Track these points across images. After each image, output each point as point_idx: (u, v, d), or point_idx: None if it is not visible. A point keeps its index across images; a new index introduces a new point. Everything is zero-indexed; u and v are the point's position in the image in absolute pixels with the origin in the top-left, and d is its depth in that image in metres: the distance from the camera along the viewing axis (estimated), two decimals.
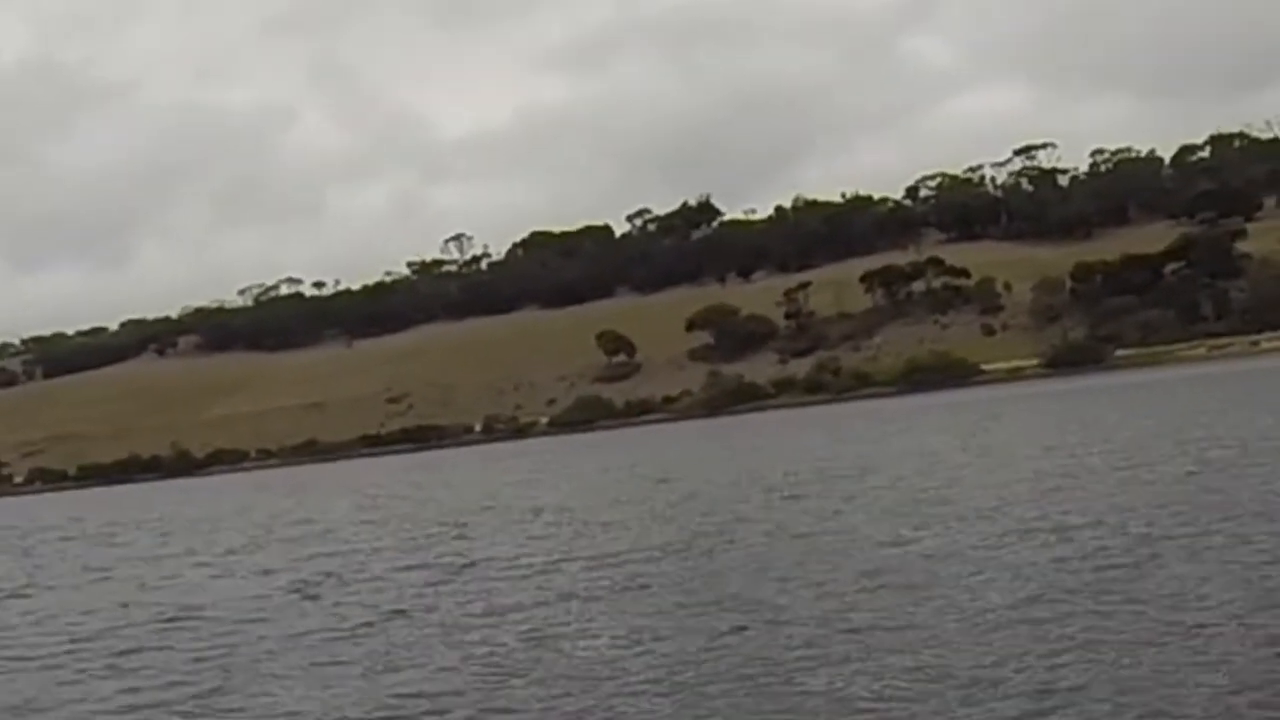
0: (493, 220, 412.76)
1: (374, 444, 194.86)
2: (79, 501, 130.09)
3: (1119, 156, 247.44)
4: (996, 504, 31.11)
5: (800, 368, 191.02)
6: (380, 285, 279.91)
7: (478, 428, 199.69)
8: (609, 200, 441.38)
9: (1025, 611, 17.72)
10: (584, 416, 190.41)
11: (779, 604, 20.37)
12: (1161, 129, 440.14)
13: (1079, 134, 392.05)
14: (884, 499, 36.19)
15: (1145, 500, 28.74)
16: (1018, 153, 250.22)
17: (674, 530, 34.03)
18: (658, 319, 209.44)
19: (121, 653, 22.55)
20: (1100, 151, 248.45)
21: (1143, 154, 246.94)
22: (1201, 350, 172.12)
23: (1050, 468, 39.75)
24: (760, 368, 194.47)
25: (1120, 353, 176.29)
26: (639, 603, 22.45)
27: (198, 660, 20.80)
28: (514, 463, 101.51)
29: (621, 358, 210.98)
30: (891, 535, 27.48)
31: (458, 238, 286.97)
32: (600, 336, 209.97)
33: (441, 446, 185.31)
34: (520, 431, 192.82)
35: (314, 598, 27.85)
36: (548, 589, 24.98)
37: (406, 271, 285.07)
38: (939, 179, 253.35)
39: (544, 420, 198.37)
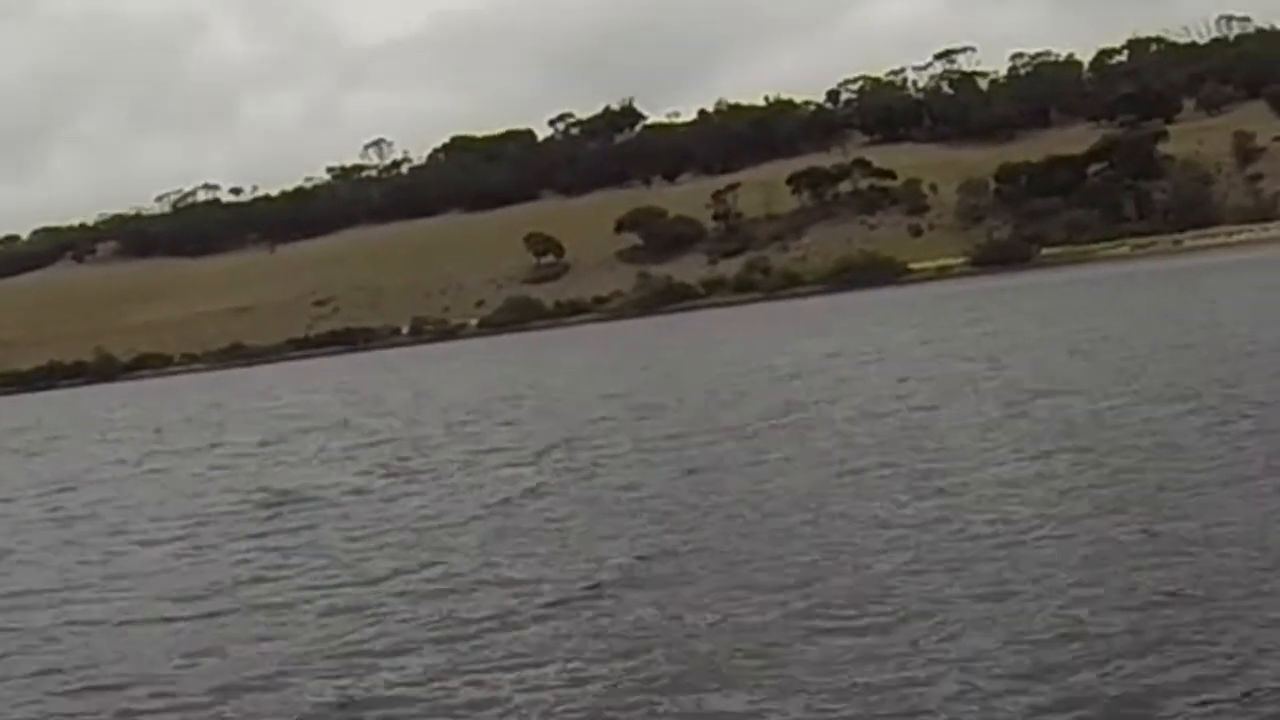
0: (412, 126, 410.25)
1: (302, 347, 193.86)
2: (10, 407, 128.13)
3: (1038, 60, 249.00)
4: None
5: (730, 268, 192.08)
6: (301, 191, 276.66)
7: (406, 330, 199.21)
8: (529, 105, 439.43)
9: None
10: (514, 318, 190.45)
11: None
12: (1078, 33, 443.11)
13: (997, 38, 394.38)
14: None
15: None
16: (938, 56, 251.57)
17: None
18: (585, 221, 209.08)
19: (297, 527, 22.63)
20: (1019, 55, 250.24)
21: (1061, 57, 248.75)
22: (1125, 249, 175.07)
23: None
24: (689, 268, 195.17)
25: (1046, 251, 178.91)
26: None
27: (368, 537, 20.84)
28: (461, 360, 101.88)
29: (550, 259, 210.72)
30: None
31: (378, 143, 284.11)
32: (529, 238, 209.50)
33: (370, 349, 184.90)
34: (450, 333, 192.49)
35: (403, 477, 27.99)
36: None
37: (327, 177, 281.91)
38: (861, 82, 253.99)
39: (473, 322, 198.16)
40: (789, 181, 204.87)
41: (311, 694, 12.33)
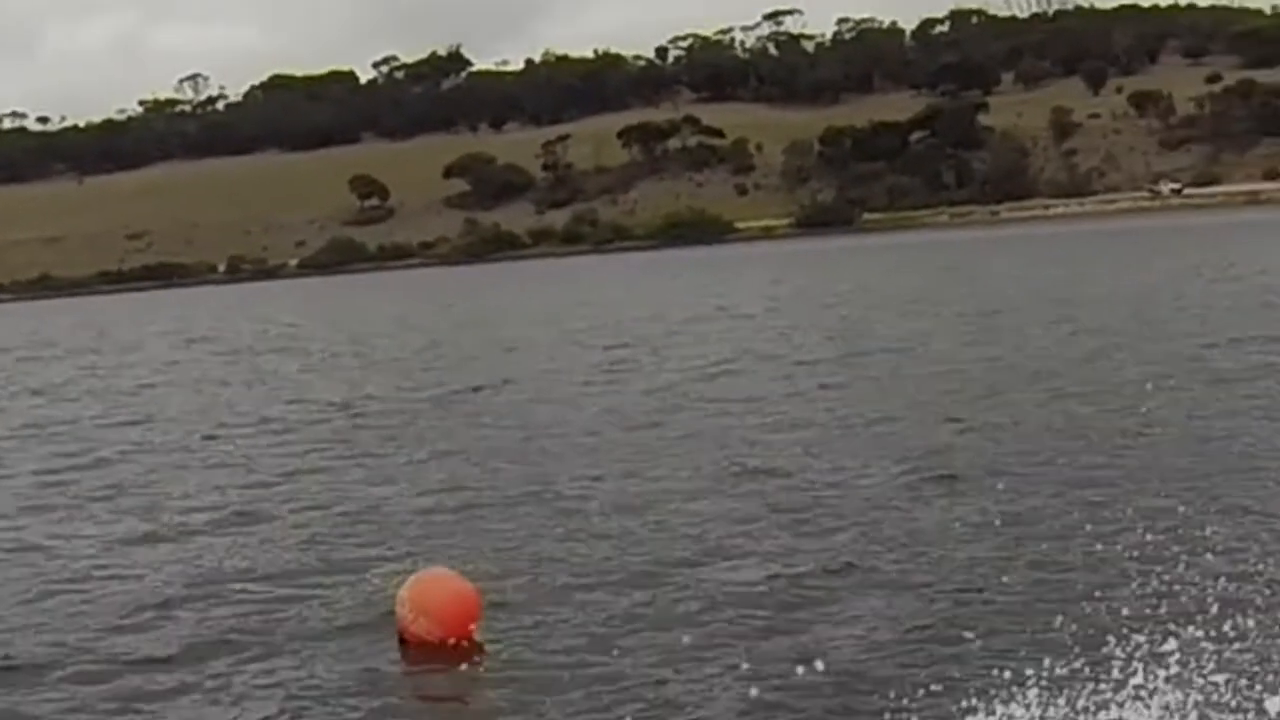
0: (225, 62, 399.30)
1: (114, 280, 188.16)
2: None
3: (863, 26, 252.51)
4: None
5: (558, 219, 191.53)
6: (112, 122, 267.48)
7: (223, 268, 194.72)
8: (349, 47, 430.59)
9: None
10: (336, 259, 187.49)
11: None
12: (899, 1, 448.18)
13: (824, 1, 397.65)
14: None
15: None
16: (766, 17, 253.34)
17: None
18: (411, 165, 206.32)
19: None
20: (845, 20, 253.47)
21: (885, 25, 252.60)
22: (944, 217, 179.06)
23: None
24: (517, 217, 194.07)
25: (868, 216, 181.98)
26: None
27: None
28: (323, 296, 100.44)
29: (374, 202, 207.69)
30: None
31: (193, 78, 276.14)
32: (353, 181, 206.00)
33: (185, 285, 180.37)
34: (269, 273, 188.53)
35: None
36: None
37: (139, 110, 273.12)
38: (690, 40, 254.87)
39: (293, 262, 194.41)
40: (620, 135, 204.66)
41: None
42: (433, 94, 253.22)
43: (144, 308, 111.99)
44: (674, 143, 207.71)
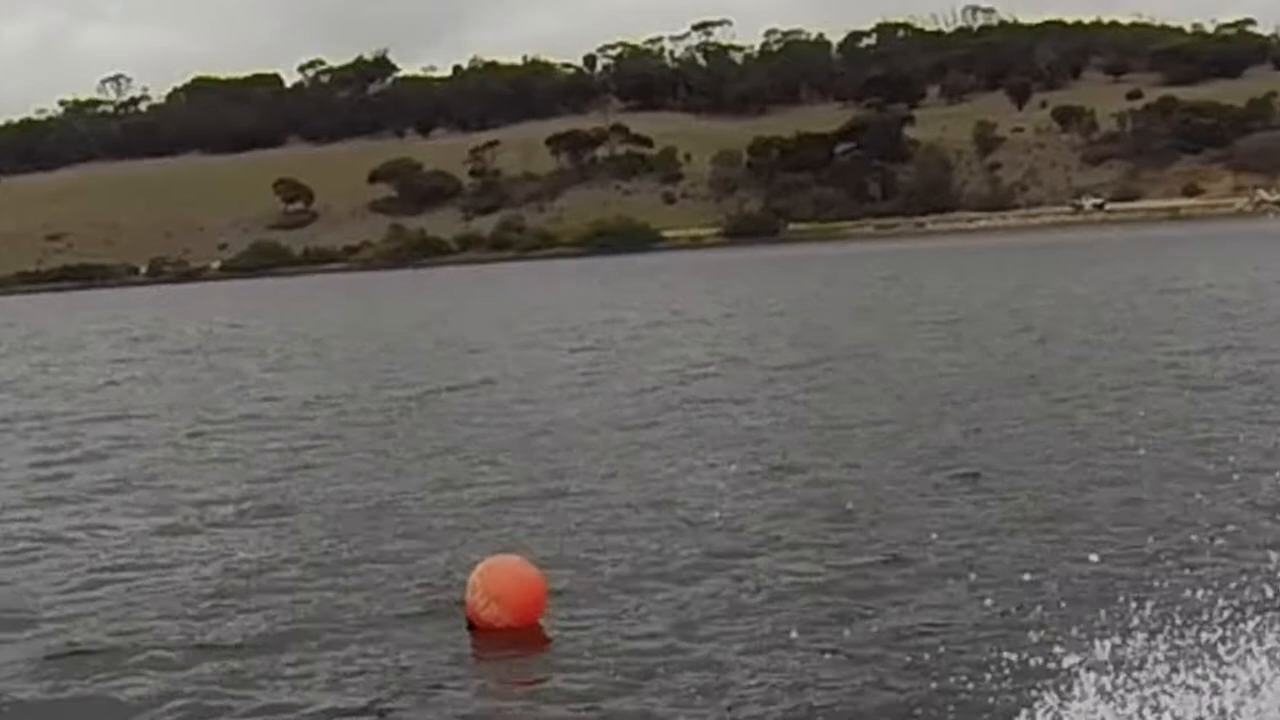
0: (148, 64, 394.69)
1: (33, 281, 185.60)
2: None
3: (790, 38, 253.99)
4: None
5: (485, 225, 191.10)
6: (31, 122, 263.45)
7: (144, 270, 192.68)
8: (273, 50, 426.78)
9: None
10: (260, 262, 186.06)
11: None
12: (829, 13, 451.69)
13: (752, 12, 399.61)
14: None
15: None
16: (695, 28, 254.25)
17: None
18: (336, 170, 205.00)
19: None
20: (773, 31, 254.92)
21: (812, 37, 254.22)
22: (869, 229, 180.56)
23: None
24: (444, 223, 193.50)
25: (793, 226, 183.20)
26: None
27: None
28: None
29: (299, 206, 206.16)
30: None
31: (116, 79, 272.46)
32: (278, 184, 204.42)
33: (106, 286, 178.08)
34: (190, 275, 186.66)
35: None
36: None
37: (59, 110, 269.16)
38: (619, 49, 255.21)
39: (215, 265, 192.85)
40: (548, 143, 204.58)
41: None
42: (359, 99, 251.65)
43: (69, 308, 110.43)
44: (602, 151, 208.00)
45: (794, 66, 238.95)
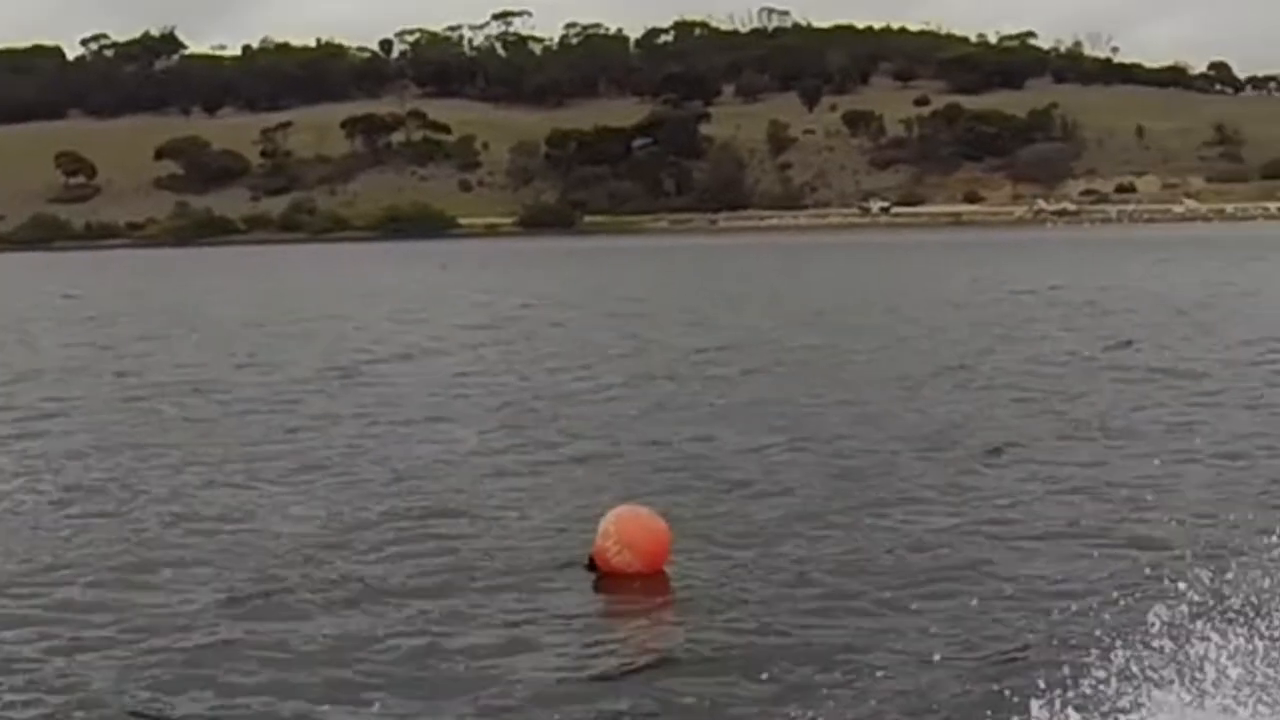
0: None
1: None
2: None
3: (589, 32, 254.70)
4: None
5: (275, 206, 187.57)
6: None
7: None
8: (55, 23, 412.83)
9: None
10: (38, 236, 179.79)
11: None
12: (628, 9, 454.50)
13: (551, 4, 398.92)
14: None
15: None
16: (496, 17, 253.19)
17: None
18: (120, 145, 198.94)
19: None
20: (573, 25, 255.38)
21: (611, 31, 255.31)
22: (664, 223, 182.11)
23: None
24: (231, 203, 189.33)
25: (589, 219, 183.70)
26: None
27: None
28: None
29: (80, 180, 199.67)
30: None
31: None
32: (59, 156, 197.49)
33: None
34: None
35: None
36: None
37: None
38: (417, 34, 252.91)
39: None
40: (343, 126, 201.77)
41: None
42: (144, 74, 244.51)
43: None
44: (399, 136, 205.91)
45: (593, 60, 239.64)
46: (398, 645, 10.06)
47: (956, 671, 9.20)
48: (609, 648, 10.11)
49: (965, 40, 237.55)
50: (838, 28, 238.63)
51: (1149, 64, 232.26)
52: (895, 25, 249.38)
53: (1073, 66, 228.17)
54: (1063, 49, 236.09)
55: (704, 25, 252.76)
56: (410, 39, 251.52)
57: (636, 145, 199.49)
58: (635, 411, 20.60)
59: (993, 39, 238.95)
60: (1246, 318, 35.10)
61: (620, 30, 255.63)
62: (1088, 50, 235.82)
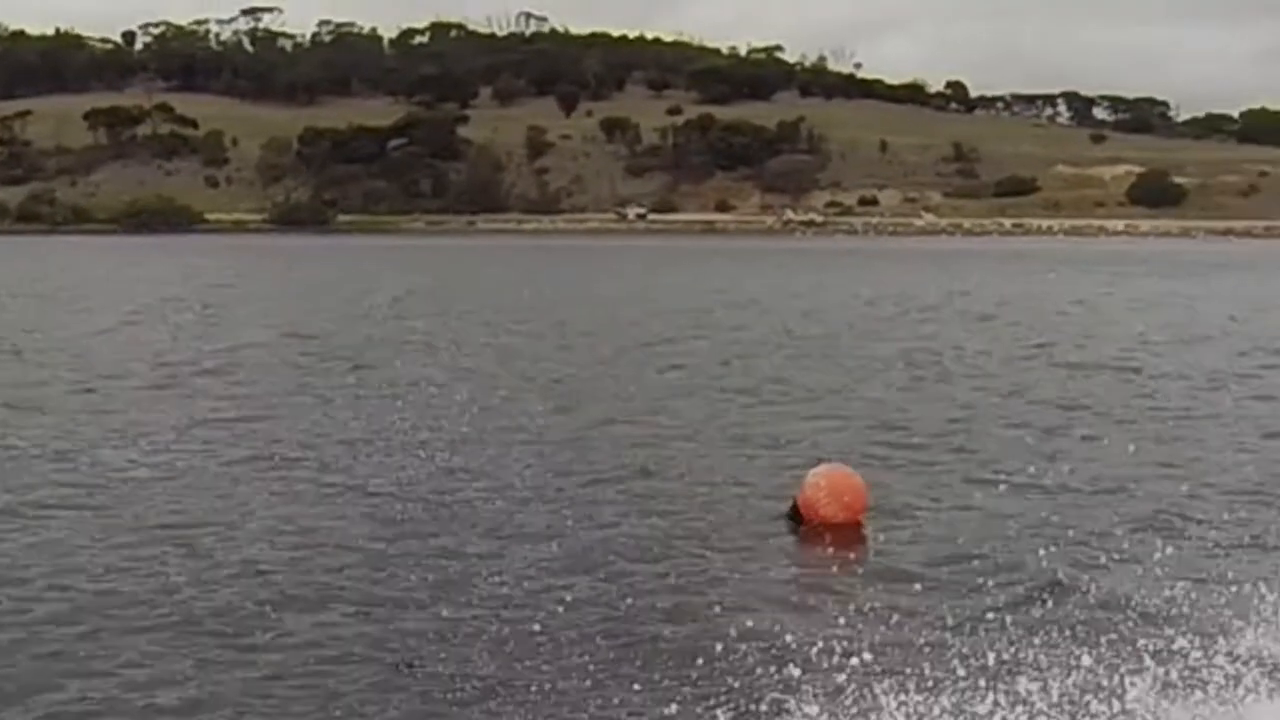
0: None
1: None
2: None
3: (343, 30, 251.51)
4: None
5: (12, 196, 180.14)
6: None
7: None
8: None
9: None
10: None
11: None
12: (378, 9, 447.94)
13: (301, 3, 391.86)
14: None
15: None
16: (245, 12, 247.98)
17: None
18: None
19: None
20: (326, 22, 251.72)
21: (365, 30, 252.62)
22: (420, 224, 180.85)
23: None
24: None
25: (343, 218, 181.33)
26: None
27: None
28: None
29: None
30: None
31: None
32: None
33: None
34: None
35: None
36: None
37: None
38: (162, 27, 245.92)
39: None
40: (86, 117, 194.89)
41: None
42: None
43: None
44: (144, 129, 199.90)
45: (345, 58, 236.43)
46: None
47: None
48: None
49: (716, 51, 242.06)
50: (594, 35, 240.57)
51: (890, 80, 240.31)
52: (649, 35, 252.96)
53: (818, 81, 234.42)
54: (808, 63, 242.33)
55: (460, 28, 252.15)
56: (155, 31, 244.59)
57: (392, 146, 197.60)
58: None
59: (743, 51, 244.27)
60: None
61: (374, 30, 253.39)
62: (832, 65, 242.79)
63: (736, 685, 9.32)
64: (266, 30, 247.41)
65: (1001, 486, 15.77)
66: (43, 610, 11.38)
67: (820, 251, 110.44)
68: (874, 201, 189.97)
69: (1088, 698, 8.31)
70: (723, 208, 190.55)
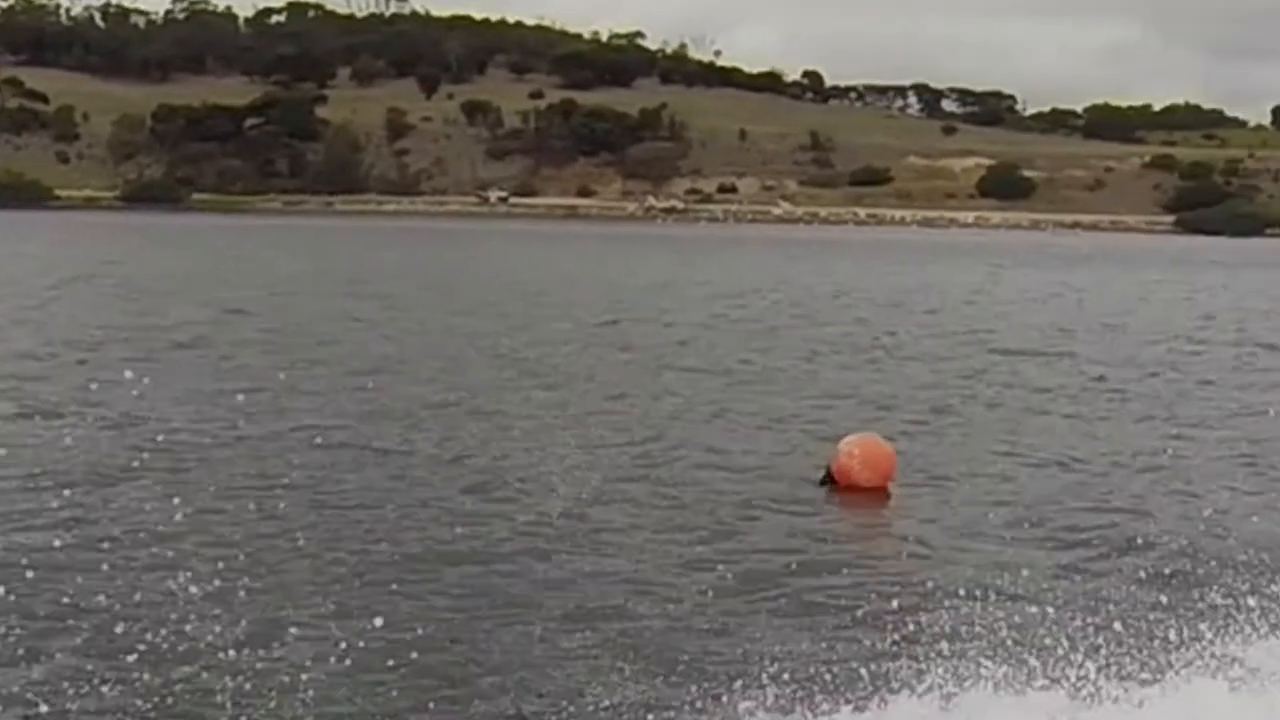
0: None
1: None
2: None
3: (196, 7, 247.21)
4: None
5: None
6: None
7: None
8: None
9: None
10: None
11: None
12: None
13: None
14: None
15: None
16: None
17: None
18: None
19: None
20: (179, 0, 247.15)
21: (220, 8, 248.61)
22: (277, 204, 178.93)
23: None
24: None
25: (198, 196, 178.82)
26: None
27: None
28: None
29: None
30: None
31: None
32: None
33: None
34: None
35: None
36: None
37: None
38: (9, 2, 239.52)
39: None
40: None
41: None
42: None
43: None
44: None
45: (200, 36, 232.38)
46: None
47: None
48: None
49: (578, 37, 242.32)
50: (455, 18, 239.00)
51: (748, 69, 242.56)
52: (511, 18, 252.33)
53: (679, 68, 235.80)
54: (669, 50, 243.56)
55: (319, 8, 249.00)
56: (3, 5, 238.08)
57: (249, 125, 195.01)
58: None
59: (605, 37, 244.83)
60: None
61: (229, 8, 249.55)
62: (693, 53, 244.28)
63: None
64: (119, 6, 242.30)
65: (1012, 460, 17.85)
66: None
67: (696, 239, 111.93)
68: (733, 189, 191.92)
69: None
70: (584, 193, 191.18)
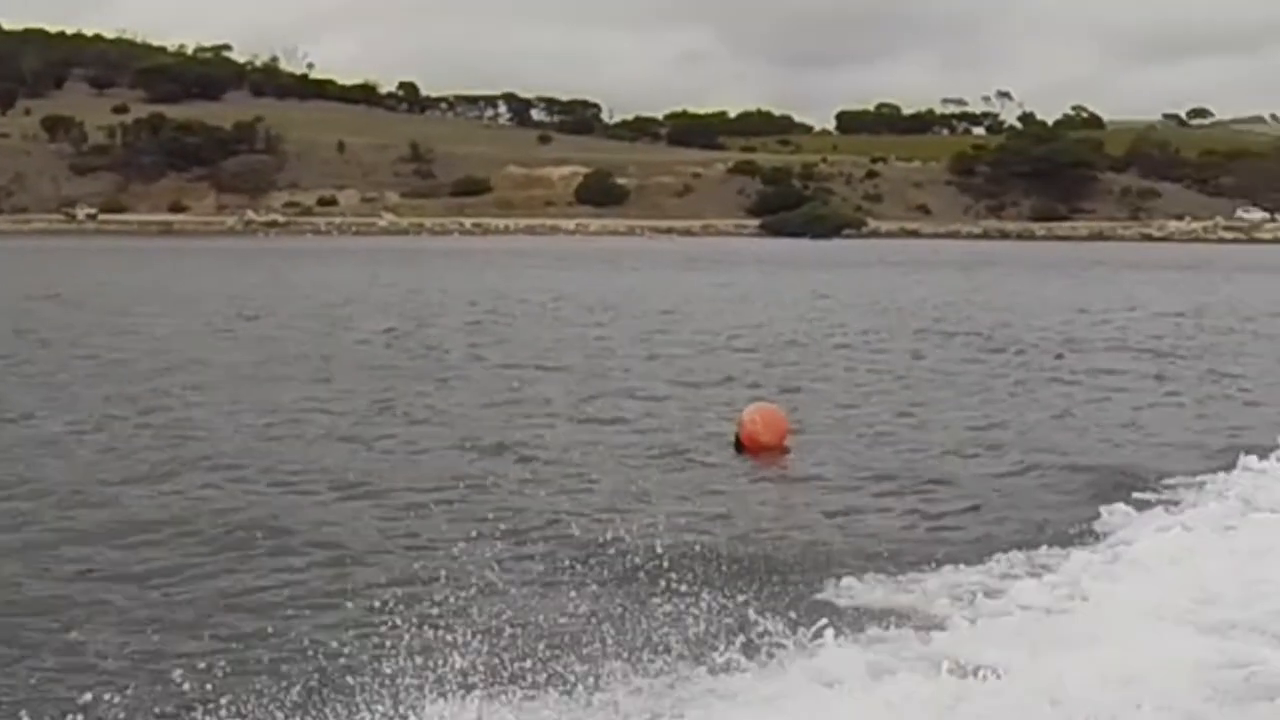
0: None
1: None
2: None
3: None
4: None
5: None
6: None
7: None
8: None
9: None
10: None
11: None
12: None
13: None
14: None
15: None
16: None
17: None
18: None
19: None
20: None
21: None
22: None
23: None
24: None
25: None
26: None
27: None
28: None
29: None
30: None
31: None
32: None
33: None
34: None
35: None
36: None
37: None
38: None
39: None
40: None
41: None
42: None
43: None
44: None
45: None
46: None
47: None
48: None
49: (163, 50, 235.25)
50: (29, 31, 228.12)
51: (342, 80, 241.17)
52: (89, 32, 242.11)
53: (270, 81, 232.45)
54: (259, 63, 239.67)
55: None
56: None
57: None
58: None
59: (190, 49, 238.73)
60: None
61: None
62: (284, 65, 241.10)
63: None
64: None
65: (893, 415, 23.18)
66: None
67: (336, 251, 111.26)
68: (333, 202, 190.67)
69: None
70: (176, 208, 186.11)
